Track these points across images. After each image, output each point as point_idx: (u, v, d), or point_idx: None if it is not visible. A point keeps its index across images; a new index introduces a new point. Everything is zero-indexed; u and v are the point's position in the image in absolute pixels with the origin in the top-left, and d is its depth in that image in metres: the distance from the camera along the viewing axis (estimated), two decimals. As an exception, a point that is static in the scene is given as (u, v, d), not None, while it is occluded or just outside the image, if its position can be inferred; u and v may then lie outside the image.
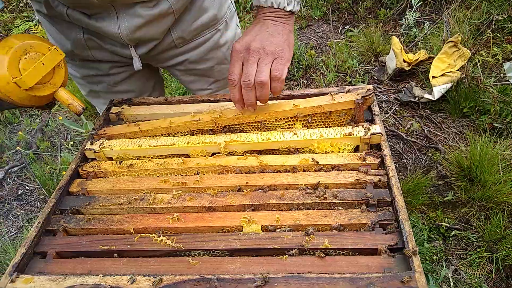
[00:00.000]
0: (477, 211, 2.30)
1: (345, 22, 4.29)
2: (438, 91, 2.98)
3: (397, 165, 2.76)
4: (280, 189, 1.08)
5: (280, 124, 1.26)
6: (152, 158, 1.24)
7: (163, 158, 1.24)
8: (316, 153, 1.17)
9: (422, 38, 3.66)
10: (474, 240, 2.22)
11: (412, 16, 3.78)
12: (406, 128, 3.01)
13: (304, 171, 1.12)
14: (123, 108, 1.42)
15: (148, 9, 1.27)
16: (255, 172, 1.14)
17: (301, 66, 3.69)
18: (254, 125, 1.28)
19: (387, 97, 3.29)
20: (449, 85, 2.98)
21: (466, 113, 2.94)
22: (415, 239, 2.23)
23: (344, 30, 4.17)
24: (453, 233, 2.25)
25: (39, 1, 1.32)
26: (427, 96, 3.04)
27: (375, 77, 3.51)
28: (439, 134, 2.91)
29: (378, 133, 1.15)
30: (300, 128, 1.21)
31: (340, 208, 1.02)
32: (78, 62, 1.52)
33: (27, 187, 3.20)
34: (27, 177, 3.28)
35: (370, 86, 1.25)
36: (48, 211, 1.08)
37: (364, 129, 1.17)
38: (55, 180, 3.09)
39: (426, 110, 3.08)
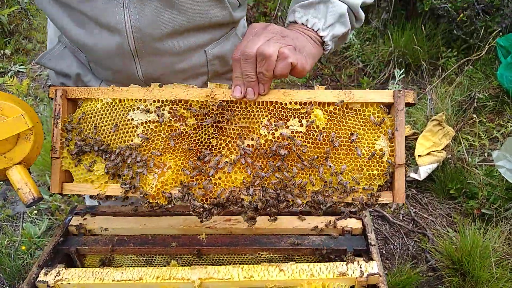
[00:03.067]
0: (471, 311, 2.14)
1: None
2: (424, 171, 2.90)
3: (384, 251, 2.61)
4: None
5: (295, 110, 1.03)
6: (113, 293, 1.06)
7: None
8: (306, 297, 1.01)
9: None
10: None
11: (395, 87, 3.79)
12: (392, 209, 2.89)
13: (292, 322, 0.96)
14: (85, 219, 1.24)
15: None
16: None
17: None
18: (261, 109, 1.05)
19: (371, 173, 3.19)
20: (435, 165, 2.91)
21: (452, 195, 2.86)
22: None
23: (328, 98, 4.14)
24: (447, 336, 2.08)
25: None
26: (413, 175, 2.96)
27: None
28: (426, 216, 2.79)
29: (375, 274, 1.00)
30: (288, 264, 1.05)
31: None
32: None
33: (-19, 262, 2.89)
34: (-18, 250, 2.97)
35: None
36: None
37: (360, 268, 1.02)
38: (12, 256, 2.80)
39: (412, 190, 2.99)
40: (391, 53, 3.95)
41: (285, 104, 1.04)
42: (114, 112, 1.08)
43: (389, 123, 1.02)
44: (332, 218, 1.20)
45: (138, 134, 1.06)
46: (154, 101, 1.06)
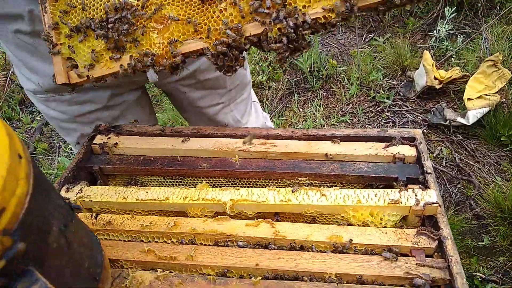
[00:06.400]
0: (517, 261, 2.00)
1: (369, 30, 3.98)
2: (473, 115, 2.67)
3: (424, 197, 2.46)
4: (302, 277, 0.80)
5: None
6: (138, 213, 0.98)
7: (152, 214, 0.97)
8: (351, 225, 0.90)
9: (454, 53, 3.34)
10: (514, 296, 1.92)
11: (444, 27, 3.46)
12: (435, 154, 2.70)
13: (335, 251, 0.84)
14: (109, 138, 1.16)
15: None
16: (269, 248, 0.86)
17: (320, 76, 3.40)
18: None
19: (414, 117, 2.98)
20: (487, 109, 2.66)
21: (503, 142, 2.63)
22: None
23: (369, 39, 3.86)
24: (489, 286, 1.96)
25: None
26: (460, 119, 2.73)
27: (401, 93, 3.20)
28: (472, 163, 2.60)
29: (434, 203, 0.87)
30: (331, 188, 0.93)
31: (384, 316, 0.74)
32: (72, 95, 1.29)
33: (18, 193, 2.96)
34: (19, 182, 3.03)
35: None
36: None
37: (415, 196, 0.88)
38: (47, 188, 2.84)
39: (458, 135, 2.78)
40: (442, -11, 3.58)
41: None
42: None
43: None
44: (382, 144, 1.05)
45: None
46: None
